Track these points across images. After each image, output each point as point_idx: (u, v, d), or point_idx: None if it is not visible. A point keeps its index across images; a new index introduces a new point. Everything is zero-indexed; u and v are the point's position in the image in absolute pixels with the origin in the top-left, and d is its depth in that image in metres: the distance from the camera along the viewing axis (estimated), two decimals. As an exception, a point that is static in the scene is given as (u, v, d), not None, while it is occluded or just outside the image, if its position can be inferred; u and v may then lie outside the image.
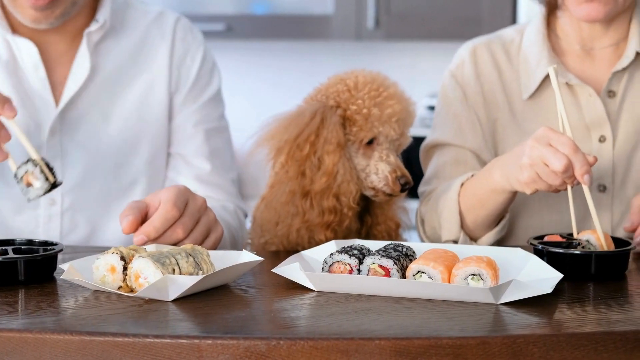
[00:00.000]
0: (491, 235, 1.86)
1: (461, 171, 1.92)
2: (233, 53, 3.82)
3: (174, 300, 1.44)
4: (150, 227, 1.58)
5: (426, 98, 3.48)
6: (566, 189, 1.66)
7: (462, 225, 1.85)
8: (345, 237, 1.79)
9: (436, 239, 1.91)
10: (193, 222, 1.62)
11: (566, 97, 1.92)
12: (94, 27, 1.96)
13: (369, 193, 1.80)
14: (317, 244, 1.75)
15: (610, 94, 1.94)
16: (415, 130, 3.26)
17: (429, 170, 2.00)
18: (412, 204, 1.98)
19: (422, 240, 1.96)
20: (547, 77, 1.93)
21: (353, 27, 3.57)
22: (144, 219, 1.60)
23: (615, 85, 1.94)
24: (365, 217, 1.85)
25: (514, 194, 1.78)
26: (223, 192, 2.04)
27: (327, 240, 1.75)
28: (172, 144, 2.04)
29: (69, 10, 1.89)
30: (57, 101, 1.96)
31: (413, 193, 1.99)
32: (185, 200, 1.62)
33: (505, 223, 1.87)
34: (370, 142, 1.78)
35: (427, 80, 3.62)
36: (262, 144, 1.79)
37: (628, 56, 1.93)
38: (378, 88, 1.78)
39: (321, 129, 1.75)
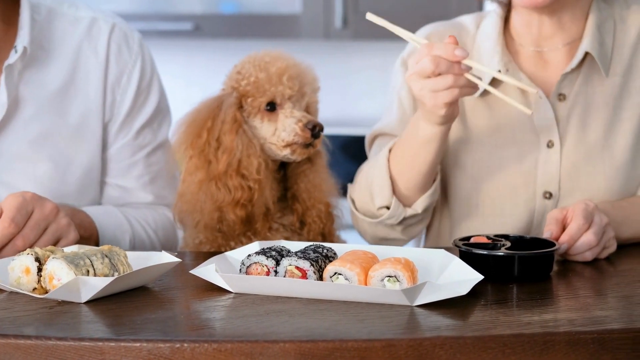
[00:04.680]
0: (424, 198, 1.85)
1: None
2: (201, 52, 3.82)
3: (89, 302, 1.43)
4: None
5: (394, 98, 3.47)
6: (472, 86, 1.64)
7: (395, 191, 1.84)
8: (262, 214, 1.80)
9: (370, 214, 1.89)
10: (36, 233, 1.61)
11: (518, 98, 1.88)
12: (12, 58, 1.79)
13: (286, 153, 1.80)
14: (229, 225, 1.78)
15: (561, 97, 1.88)
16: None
17: (368, 158, 1.99)
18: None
19: (355, 222, 1.94)
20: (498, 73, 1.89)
21: (321, 27, 3.56)
22: None
23: (566, 87, 1.88)
24: (295, 206, 1.85)
25: (441, 142, 1.77)
26: (164, 207, 2.00)
27: (238, 218, 1.77)
28: (109, 174, 1.95)
29: None
30: None
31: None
32: (29, 211, 1.61)
33: (437, 186, 1.86)
34: (272, 109, 1.79)
35: (396, 79, 3.61)
36: (176, 142, 1.81)
37: (577, 57, 1.86)
38: (262, 56, 1.81)
39: (217, 113, 1.79)
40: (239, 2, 3.65)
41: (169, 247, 2.00)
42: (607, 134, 1.88)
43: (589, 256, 1.68)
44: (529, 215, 1.89)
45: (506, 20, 1.95)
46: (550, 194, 1.88)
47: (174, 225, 1.97)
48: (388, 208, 1.85)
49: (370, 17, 1.68)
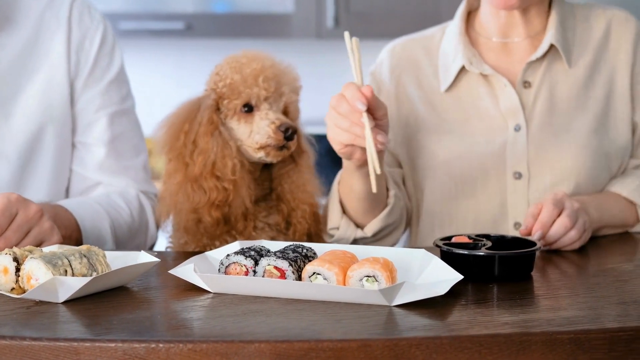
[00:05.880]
0: (376, 222, 1.87)
1: None
2: (193, 52, 3.81)
3: (67, 302, 1.42)
4: None
5: (385, 97, 3.47)
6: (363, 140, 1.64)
7: (345, 212, 1.88)
8: (242, 214, 1.80)
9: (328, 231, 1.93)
10: (18, 235, 1.62)
11: (482, 88, 1.98)
12: None
13: (261, 155, 1.80)
14: (207, 227, 1.79)
15: (526, 84, 1.98)
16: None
17: None
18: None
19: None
20: (462, 68, 1.99)
21: (313, 26, 3.56)
22: None
23: (531, 76, 1.98)
24: (281, 206, 1.85)
25: (357, 176, 1.78)
26: (127, 178, 2.01)
27: (214, 219, 1.77)
28: (75, 132, 2.00)
29: None
30: None
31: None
32: (12, 214, 1.62)
33: (389, 211, 1.88)
34: (250, 110, 1.79)
35: (388, 79, 3.60)
36: (158, 145, 1.81)
37: (542, 47, 1.96)
38: (238, 58, 1.82)
39: (195, 115, 1.80)
40: (231, 1, 3.65)
41: (144, 225, 2.01)
42: (571, 119, 1.96)
43: (574, 236, 1.74)
44: (500, 195, 1.95)
45: (468, 16, 2.05)
46: (520, 174, 1.94)
47: (142, 204, 2.01)
48: (337, 229, 1.89)
49: (346, 36, 1.69)
